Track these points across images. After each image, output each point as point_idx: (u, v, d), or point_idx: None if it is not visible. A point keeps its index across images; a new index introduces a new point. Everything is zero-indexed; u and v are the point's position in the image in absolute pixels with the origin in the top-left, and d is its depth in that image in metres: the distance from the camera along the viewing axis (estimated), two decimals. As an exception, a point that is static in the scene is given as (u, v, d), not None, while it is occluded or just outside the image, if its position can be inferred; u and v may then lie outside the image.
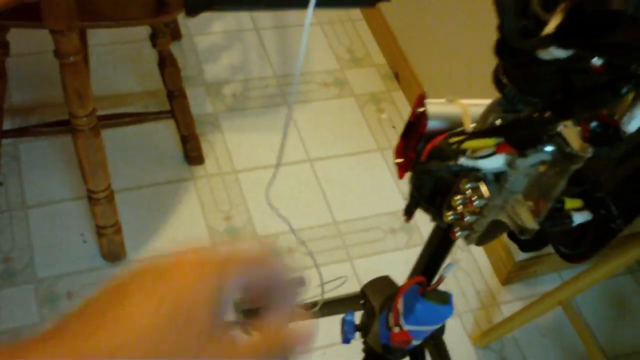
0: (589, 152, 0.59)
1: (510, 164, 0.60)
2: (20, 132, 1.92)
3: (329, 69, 2.31)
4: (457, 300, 1.88)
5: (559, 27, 0.43)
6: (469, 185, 0.64)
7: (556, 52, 0.45)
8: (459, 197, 0.66)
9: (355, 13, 2.49)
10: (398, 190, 2.04)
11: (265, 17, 2.40)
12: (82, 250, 1.82)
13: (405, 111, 2.24)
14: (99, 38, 2.21)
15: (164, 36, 1.75)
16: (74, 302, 1.73)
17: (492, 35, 0.48)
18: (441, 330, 0.99)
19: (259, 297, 0.42)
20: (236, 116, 2.12)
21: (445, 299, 0.83)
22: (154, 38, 1.75)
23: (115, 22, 1.67)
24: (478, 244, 0.73)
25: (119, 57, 2.21)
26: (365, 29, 2.44)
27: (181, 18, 2.29)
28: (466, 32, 1.93)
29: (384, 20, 2.34)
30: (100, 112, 2.00)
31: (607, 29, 0.40)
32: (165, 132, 2.02)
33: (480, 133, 0.58)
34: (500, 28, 0.42)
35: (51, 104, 2.02)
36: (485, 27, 1.93)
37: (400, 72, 2.29)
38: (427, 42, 2.14)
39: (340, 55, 2.35)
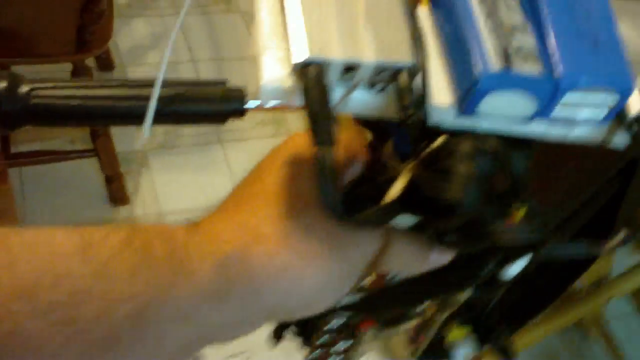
0: (464, 296, 0.55)
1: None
2: None
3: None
4: None
5: (404, 193, 0.37)
6: (334, 323, 0.56)
7: (401, 219, 0.38)
8: (324, 334, 0.58)
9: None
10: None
11: (202, 48, 2.32)
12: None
13: (343, 153, 2.16)
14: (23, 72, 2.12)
15: (85, 74, 1.66)
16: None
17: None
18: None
19: None
20: (166, 154, 2.03)
21: None
22: (75, 75, 1.67)
23: (34, 58, 1.59)
24: None
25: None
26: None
27: (114, 47, 2.20)
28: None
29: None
30: (22, 147, 1.92)
31: (445, 212, 0.33)
32: (89, 170, 1.93)
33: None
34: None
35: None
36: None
37: (339, 112, 2.22)
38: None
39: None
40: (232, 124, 2.14)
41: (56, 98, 0.45)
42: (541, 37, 0.37)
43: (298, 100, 0.38)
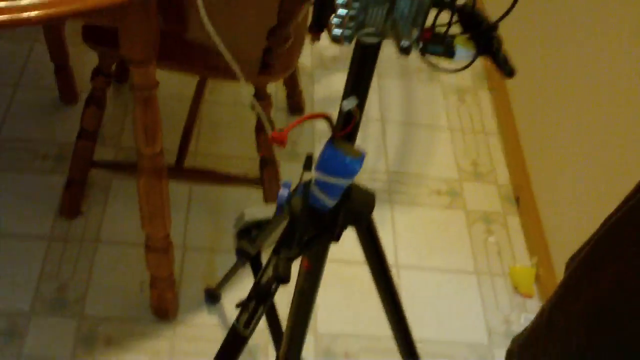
0: None
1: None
2: (112, 167, 1.90)
3: (446, 177, 2.14)
4: None
5: None
6: None
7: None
8: None
9: (491, 126, 2.32)
10: (484, 324, 1.81)
11: (394, 111, 2.30)
12: (136, 299, 1.74)
13: (517, 240, 2.01)
14: (215, 96, 2.21)
15: (265, 99, 1.68)
16: (110, 350, 1.65)
17: None
18: (369, 208, 1.04)
19: None
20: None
21: (355, 153, 0.88)
22: (255, 96, 1.69)
23: (219, 75, 1.63)
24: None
25: (232, 118, 2.18)
26: (496, 144, 2.27)
27: (309, 95, 2.24)
28: (605, 172, 1.70)
29: (517, 139, 2.16)
30: (199, 166, 1.98)
31: None
32: (255, 200, 1.94)
33: None
34: None
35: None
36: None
37: (522, 197, 2.08)
38: (556, 172, 1.93)
39: (463, 166, 2.19)
40: (408, 188, 2.08)
41: None
42: None
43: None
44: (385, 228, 1.97)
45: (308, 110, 2.21)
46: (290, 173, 1.93)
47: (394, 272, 1.86)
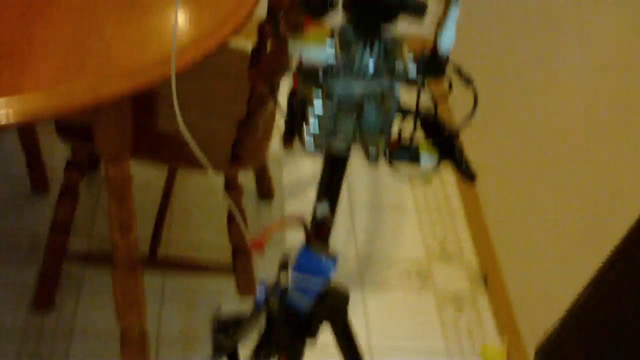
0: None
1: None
2: (85, 258, 1.91)
3: (415, 258, 2.18)
4: None
5: None
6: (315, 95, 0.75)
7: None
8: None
9: (457, 206, 2.38)
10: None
11: (362, 193, 2.35)
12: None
13: (487, 320, 2.05)
14: (186, 183, 2.24)
15: (236, 188, 1.71)
16: None
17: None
18: (344, 307, 1.08)
19: None
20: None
21: (330, 254, 0.95)
22: (226, 188, 1.72)
23: (189, 165, 1.67)
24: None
25: (204, 205, 2.20)
26: (463, 224, 2.32)
27: (278, 180, 2.28)
28: (572, 254, 1.75)
29: (482, 218, 2.22)
30: (172, 255, 1.99)
31: None
32: (229, 288, 1.95)
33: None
34: None
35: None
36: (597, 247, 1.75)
37: (489, 276, 2.12)
38: (524, 252, 1.98)
39: (431, 247, 2.23)
40: (378, 270, 2.10)
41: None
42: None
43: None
44: (357, 311, 1.99)
45: (277, 196, 2.25)
46: (262, 261, 1.95)
47: (367, 357, 1.87)
